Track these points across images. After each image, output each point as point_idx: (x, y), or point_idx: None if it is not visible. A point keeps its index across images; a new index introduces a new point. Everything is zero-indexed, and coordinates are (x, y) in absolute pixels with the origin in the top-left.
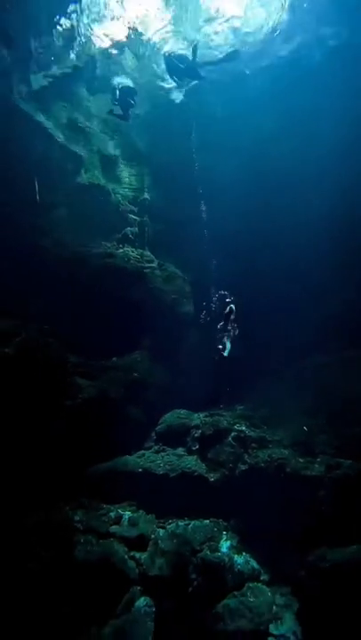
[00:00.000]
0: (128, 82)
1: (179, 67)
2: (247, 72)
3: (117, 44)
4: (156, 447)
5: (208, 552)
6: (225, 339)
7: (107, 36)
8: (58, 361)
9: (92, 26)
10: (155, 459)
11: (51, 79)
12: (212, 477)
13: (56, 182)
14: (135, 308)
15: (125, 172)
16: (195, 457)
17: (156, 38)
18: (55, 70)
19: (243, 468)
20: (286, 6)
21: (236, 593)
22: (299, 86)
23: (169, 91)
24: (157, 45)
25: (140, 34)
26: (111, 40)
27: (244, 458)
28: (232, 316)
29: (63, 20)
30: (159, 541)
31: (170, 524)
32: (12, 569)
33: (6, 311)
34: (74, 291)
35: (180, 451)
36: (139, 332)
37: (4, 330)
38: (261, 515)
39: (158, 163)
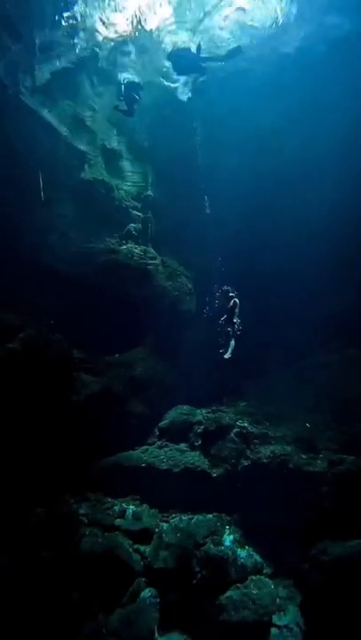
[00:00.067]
0: (133, 77)
1: (183, 62)
2: (250, 67)
3: (122, 38)
4: (159, 443)
5: (211, 546)
6: (229, 337)
7: (111, 29)
8: (63, 357)
9: (97, 19)
10: (158, 454)
11: (55, 74)
12: (214, 473)
13: (60, 178)
14: (138, 304)
15: (129, 168)
16: (197, 452)
17: (160, 31)
18: (59, 65)
19: (245, 463)
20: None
21: (239, 585)
22: (301, 83)
23: (173, 86)
24: (162, 39)
25: (145, 27)
26: (116, 33)
27: (247, 454)
28: (236, 310)
29: (68, 14)
30: (163, 535)
31: (173, 518)
32: (23, 558)
33: (11, 307)
34: (77, 286)
35: (183, 446)
36: (142, 329)
37: (10, 325)
38: (264, 510)
39: (162, 159)
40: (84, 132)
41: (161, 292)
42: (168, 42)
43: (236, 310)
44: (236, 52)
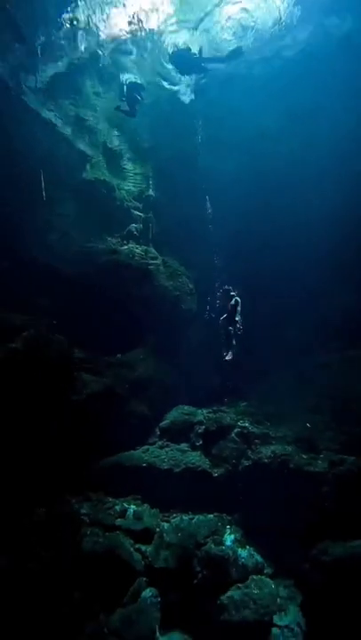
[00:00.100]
0: (135, 77)
1: (184, 62)
2: (251, 68)
3: (124, 38)
4: (160, 442)
5: (212, 545)
6: (231, 336)
7: (113, 29)
8: (63, 356)
9: (99, 20)
10: (159, 454)
11: (57, 74)
12: (215, 472)
13: (62, 177)
14: (139, 304)
15: (130, 168)
16: (198, 452)
17: (162, 32)
18: (62, 65)
19: (246, 463)
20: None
21: (240, 585)
22: (302, 83)
23: (175, 87)
24: (163, 39)
25: (147, 27)
26: (117, 34)
27: (248, 454)
28: (238, 308)
29: (70, 14)
30: (164, 534)
31: (174, 517)
32: (24, 558)
33: (12, 306)
34: (78, 286)
35: (184, 446)
36: (142, 329)
37: (12, 325)
38: (265, 510)
39: (163, 159)
40: (86, 131)
41: (162, 292)
42: (169, 42)
43: (239, 309)
44: (237, 52)
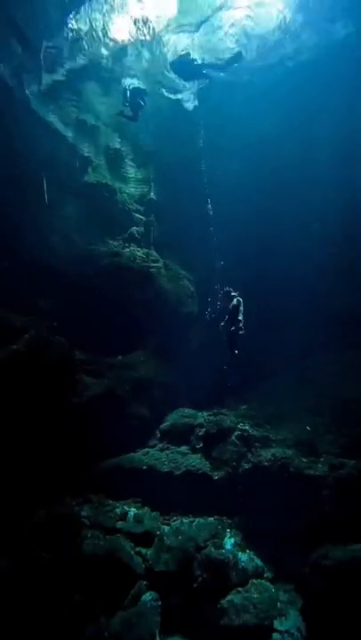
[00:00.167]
0: (138, 83)
1: (186, 69)
2: (253, 73)
3: (126, 43)
4: (160, 445)
5: (212, 549)
6: (232, 336)
7: (115, 34)
8: (65, 358)
9: (101, 24)
10: (159, 456)
11: (60, 77)
12: (215, 475)
13: (63, 180)
14: (141, 307)
15: (132, 172)
16: (199, 455)
17: (164, 37)
18: (64, 69)
19: (246, 466)
20: (293, 6)
21: (240, 589)
22: (303, 89)
23: (176, 93)
24: (166, 44)
25: (149, 32)
26: (120, 38)
27: (248, 457)
28: (240, 308)
29: (73, 19)
30: (164, 538)
31: (174, 520)
32: (24, 560)
33: (13, 308)
34: (80, 288)
35: (185, 449)
36: (143, 331)
37: (13, 326)
38: (265, 513)
39: (165, 162)
40: (88, 135)
41: (163, 295)
42: (171, 47)
43: (241, 309)
44: (236, 57)
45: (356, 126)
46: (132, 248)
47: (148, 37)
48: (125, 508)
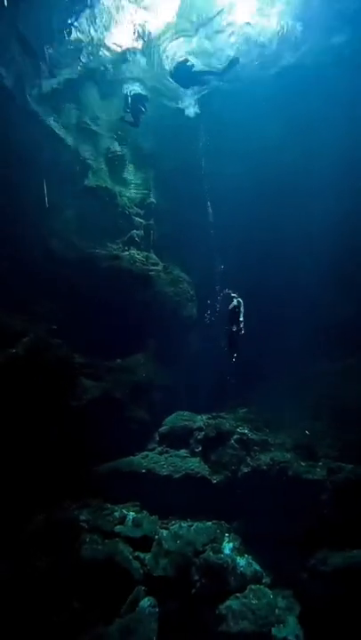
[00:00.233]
0: (139, 89)
1: (185, 75)
2: (253, 80)
3: (126, 49)
4: (159, 448)
5: (211, 553)
6: (233, 337)
7: (116, 40)
8: (64, 362)
9: (102, 31)
10: (158, 460)
11: (61, 83)
12: (215, 479)
13: (64, 184)
14: (140, 310)
15: (132, 176)
16: (198, 459)
17: (164, 43)
18: (65, 74)
19: (245, 470)
20: (294, 15)
21: (238, 595)
22: (304, 95)
23: (176, 98)
24: (166, 50)
25: (149, 39)
26: (120, 44)
27: (247, 460)
28: (241, 309)
29: (74, 25)
30: (163, 542)
31: (173, 524)
32: (23, 565)
33: (13, 311)
34: (79, 291)
35: (184, 452)
36: (143, 334)
37: (13, 329)
38: (263, 517)
39: (165, 167)
40: (88, 139)
41: (162, 298)
42: (171, 53)
43: (241, 309)
44: (234, 62)
45: (357, 135)
46: (131, 251)
47: (148, 44)
48: (124, 511)
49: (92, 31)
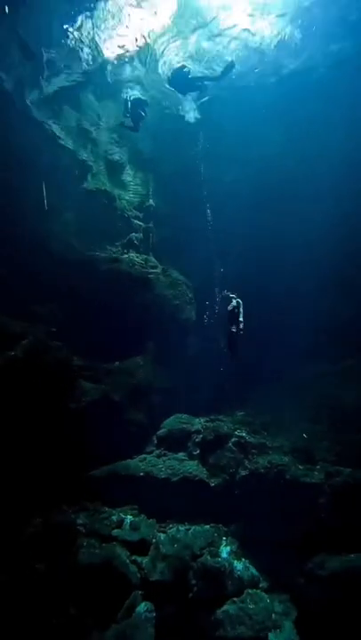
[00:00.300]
0: (139, 94)
1: (182, 82)
2: (253, 86)
3: (126, 53)
4: (157, 451)
5: (208, 557)
6: (233, 337)
7: (115, 45)
8: (63, 364)
9: (102, 35)
10: (156, 463)
11: (61, 87)
12: (212, 482)
13: (63, 187)
14: (139, 312)
15: (131, 179)
16: (196, 462)
17: (164, 49)
18: (65, 78)
19: (243, 473)
20: (293, 22)
21: (235, 599)
22: (305, 101)
23: (177, 103)
24: (166, 56)
25: (148, 43)
26: (119, 49)
27: (245, 464)
28: (240, 309)
29: (74, 30)
30: (160, 546)
31: (171, 528)
32: (17, 570)
33: (12, 313)
34: (79, 294)
35: (182, 455)
36: (142, 337)
37: (12, 332)
38: (261, 520)
39: (164, 170)
40: (88, 143)
41: (161, 301)
42: (170, 58)
43: (241, 310)
44: (230, 67)
45: (357, 142)
46: (130, 254)
47: (147, 48)
48: (122, 515)
49: (91, 36)
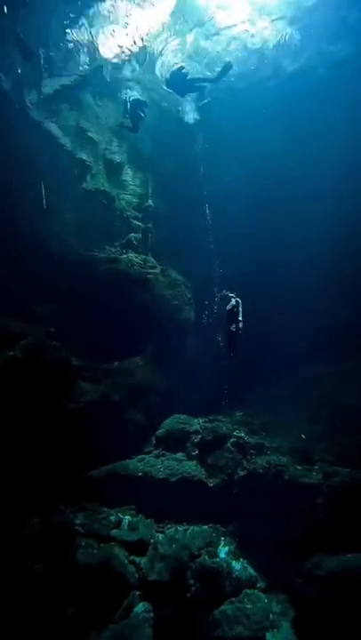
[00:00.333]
0: (138, 94)
1: (180, 83)
2: (252, 87)
3: (124, 54)
4: (156, 452)
5: (206, 557)
6: (233, 337)
7: (114, 45)
8: (62, 364)
9: (100, 36)
10: (155, 463)
11: (60, 87)
12: (211, 482)
13: (62, 188)
14: (138, 313)
15: (130, 179)
16: (194, 462)
17: (163, 50)
18: (64, 78)
19: (241, 473)
20: (293, 22)
21: (233, 599)
22: (305, 101)
23: (176, 103)
24: (164, 57)
25: (147, 44)
26: (118, 50)
27: (243, 464)
28: (240, 309)
29: (73, 31)
30: (158, 546)
31: (169, 528)
32: (16, 570)
33: (13, 313)
34: (77, 294)
35: (180, 455)
36: (141, 337)
37: (11, 332)
38: (259, 520)
39: (163, 170)
40: (87, 143)
41: (160, 301)
42: (169, 58)
43: (240, 309)
44: (227, 68)
45: (357, 142)
46: (129, 254)
47: (146, 49)
48: (120, 515)
49: (90, 36)
